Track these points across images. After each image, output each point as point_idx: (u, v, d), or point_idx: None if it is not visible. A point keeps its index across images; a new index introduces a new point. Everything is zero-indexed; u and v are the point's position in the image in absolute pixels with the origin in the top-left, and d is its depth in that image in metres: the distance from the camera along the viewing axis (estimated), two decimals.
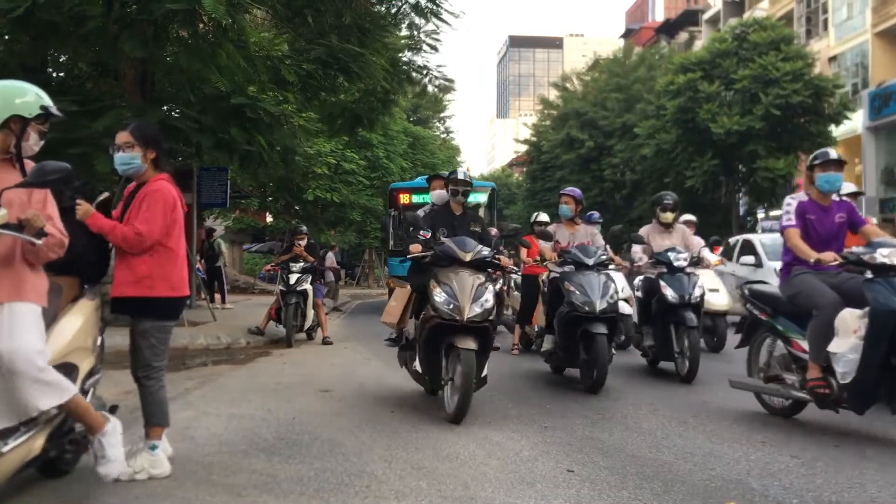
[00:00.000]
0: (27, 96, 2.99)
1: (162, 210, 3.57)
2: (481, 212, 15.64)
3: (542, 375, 7.00)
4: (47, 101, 3.04)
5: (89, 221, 3.47)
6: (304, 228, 10.84)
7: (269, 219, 30.07)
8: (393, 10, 11.94)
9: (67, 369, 3.11)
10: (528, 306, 8.28)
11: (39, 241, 2.78)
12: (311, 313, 9.76)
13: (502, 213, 37.54)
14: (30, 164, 3.03)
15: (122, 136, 3.63)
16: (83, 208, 3.47)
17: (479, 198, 15.92)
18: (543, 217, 9.43)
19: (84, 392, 3.31)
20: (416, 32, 12.89)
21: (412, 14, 11.95)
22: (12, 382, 2.77)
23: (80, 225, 3.44)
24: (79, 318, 3.31)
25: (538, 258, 7.14)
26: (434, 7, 11.60)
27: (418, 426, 4.68)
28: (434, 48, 13.28)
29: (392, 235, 15.81)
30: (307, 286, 9.65)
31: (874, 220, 26.93)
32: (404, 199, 15.61)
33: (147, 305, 3.55)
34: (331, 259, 18.91)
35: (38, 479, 3.34)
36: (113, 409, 3.76)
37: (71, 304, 3.34)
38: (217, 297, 14.95)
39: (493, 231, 10.42)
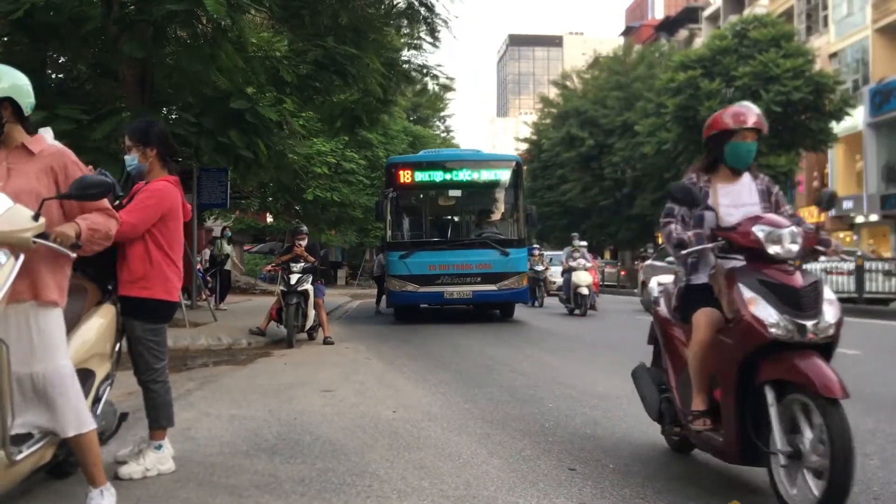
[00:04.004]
0: None
1: (154, 206, 3.54)
2: (502, 192, 13.72)
3: (542, 373, 6.99)
4: None
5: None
6: (305, 228, 10.85)
7: (269, 219, 30.07)
8: (391, 10, 11.96)
9: (84, 375, 3.07)
10: None
11: (73, 255, 2.76)
12: (312, 313, 9.77)
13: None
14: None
15: (125, 139, 3.72)
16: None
17: (499, 174, 13.52)
18: None
19: (98, 398, 3.30)
20: (415, 31, 12.92)
21: (403, 18, 11.99)
22: (45, 397, 2.74)
23: None
24: (100, 324, 3.30)
25: None
26: (428, 15, 11.62)
27: (420, 426, 4.68)
28: (434, 45, 13.29)
29: (390, 224, 13.08)
30: (308, 286, 9.67)
31: (875, 217, 26.87)
32: (406, 176, 13.19)
33: (141, 307, 3.54)
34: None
35: (43, 479, 3.34)
36: (123, 417, 3.76)
37: (94, 309, 3.32)
38: (214, 297, 14.81)
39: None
